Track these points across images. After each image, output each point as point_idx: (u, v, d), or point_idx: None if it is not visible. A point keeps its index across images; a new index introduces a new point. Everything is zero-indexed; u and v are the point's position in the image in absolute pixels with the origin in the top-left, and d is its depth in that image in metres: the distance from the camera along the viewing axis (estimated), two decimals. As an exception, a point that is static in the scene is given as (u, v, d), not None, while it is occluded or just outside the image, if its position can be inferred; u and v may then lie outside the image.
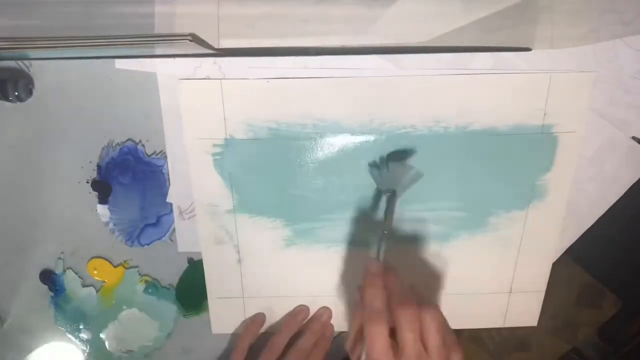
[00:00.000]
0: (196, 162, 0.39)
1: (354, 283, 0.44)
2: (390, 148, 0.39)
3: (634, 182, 0.40)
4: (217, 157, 0.39)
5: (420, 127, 0.38)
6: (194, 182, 0.40)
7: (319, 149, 0.39)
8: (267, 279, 0.44)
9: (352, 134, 0.38)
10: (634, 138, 0.39)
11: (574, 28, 0.35)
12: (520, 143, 0.39)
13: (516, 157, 0.39)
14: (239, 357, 0.42)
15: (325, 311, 0.45)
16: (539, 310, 0.45)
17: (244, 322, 0.45)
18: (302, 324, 0.44)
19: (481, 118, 0.38)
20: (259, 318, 0.45)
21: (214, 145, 0.39)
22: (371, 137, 0.39)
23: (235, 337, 0.46)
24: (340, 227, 0.41)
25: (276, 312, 0.45)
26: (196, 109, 0.38)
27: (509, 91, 0.37)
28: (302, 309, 0.45)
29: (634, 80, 0.37)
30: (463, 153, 0.39)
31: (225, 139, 0.39)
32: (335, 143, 0.39)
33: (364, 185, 0.40)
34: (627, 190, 0.41)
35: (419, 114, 0.38)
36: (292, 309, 0.45)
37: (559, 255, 0.43)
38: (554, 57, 0.37)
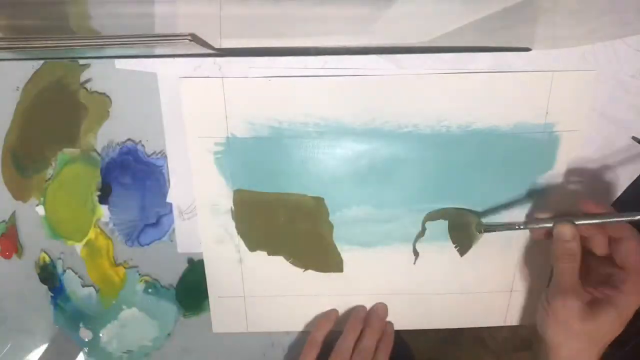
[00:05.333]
0: (197, 161, 0.39)
1: (355, 282, 0.44)
2: (392, 148, 0.39)
3: (633, 181, 0.41)
4: (219, 155, 0.39)
5: (422, 127, 0.38)
6: (195, 181, 0.40)
7: (321, 148, 0.39)
8: (268, 278, 0.43)
9: (354, 134, 0.38)
10: (633, 138, 0.39)
11: (574, 28, 0.35)
12: (522, 142, 0.39)
13: (518, 156, 0.39)
14: (312, 352, 0.41)
15: (382, 306, 0.44)
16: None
17: (316, 317, 0.45)
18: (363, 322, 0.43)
19: (483, 117, 0.38)
20: (330, 314, 0.44)
21: (216, 144, 0.39)
22: (373, 137, 0.39)
23: (235, 337, 0.46)
24: (342, 226, 0.41)
25: (278, 312, 0.45)
26: (197, 107, 0.38)
27: (510, 90, 0.37)
28: (362, 308, 0.44)
29: (634, 80, 0.37)
30: (465, 152, 0.39)
31: (227, 137, 0.39)
32: (336, 142, 0.39)
33: (366, 185, 0.40)
34: (626, 189, 0.41)
35: (420, 114, 0.38)
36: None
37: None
38: (554, 57, 0.37)
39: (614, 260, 0.35)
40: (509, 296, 0.44)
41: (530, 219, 0.37)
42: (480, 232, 0.40)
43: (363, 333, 0.42)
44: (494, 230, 0.39)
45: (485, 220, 0.40)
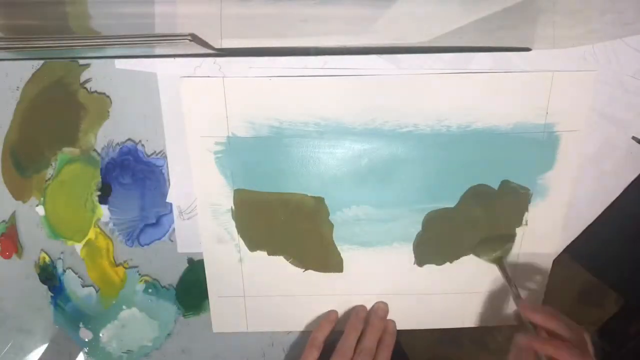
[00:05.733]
0: (198, 161, 0.39)
1: (355, 282, 0.44)
2: (392, 148, 0.39)
3: (633, 181, 0.41)
4: (219, 155, 0.39)
5: (422, 127, 0.38)
6: (196, 181, 0.40)
7: (321, 147, 0.39)
8: (268, 278, 0.43)
9: (354, 134, 0.38)
10: (633, 138, 0.39)
11: (574, 28, 0.35)
12: (522, 142, 0.39)
13: (518, 156, 0.39)
14: (313, 353, 0.41)
15: (382, 305, 0.44)
16: (539, 309, 0.45)
17: (316, 317, 0.45)
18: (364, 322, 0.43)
19: (483, 117, 0.38)
20: (331, 315, 0.44)
21: (216, 144, 0.39)
22: (373, 137, 0.39)
23: (235, 337, 0.46)
24: (342, 226, 0.41)
25: (278, 312, 0.45)
26: (198, 106, 0.38)
27: (511, 90, 0.37)
28: (362, 308, 0.44)
29: (634, 80, 0.37)
30: (465, 152, 0.39)
31: (227, 137, 0.39)
32: (337, 142, 0.39)
33: (366, 185, 0.40)
34: (626, 188, 0.41)
35: (421, 114, 0.38)
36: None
37: (559, 253, 0.43)
38: (554, 57, 0.37)
39: None
40: (508, 296, 0.44)
41: (520, 300, 0.39)
42: (494, 259, 0.42)
43: (364, 333, 0.42)
44: (499, 268, 0.42)
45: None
